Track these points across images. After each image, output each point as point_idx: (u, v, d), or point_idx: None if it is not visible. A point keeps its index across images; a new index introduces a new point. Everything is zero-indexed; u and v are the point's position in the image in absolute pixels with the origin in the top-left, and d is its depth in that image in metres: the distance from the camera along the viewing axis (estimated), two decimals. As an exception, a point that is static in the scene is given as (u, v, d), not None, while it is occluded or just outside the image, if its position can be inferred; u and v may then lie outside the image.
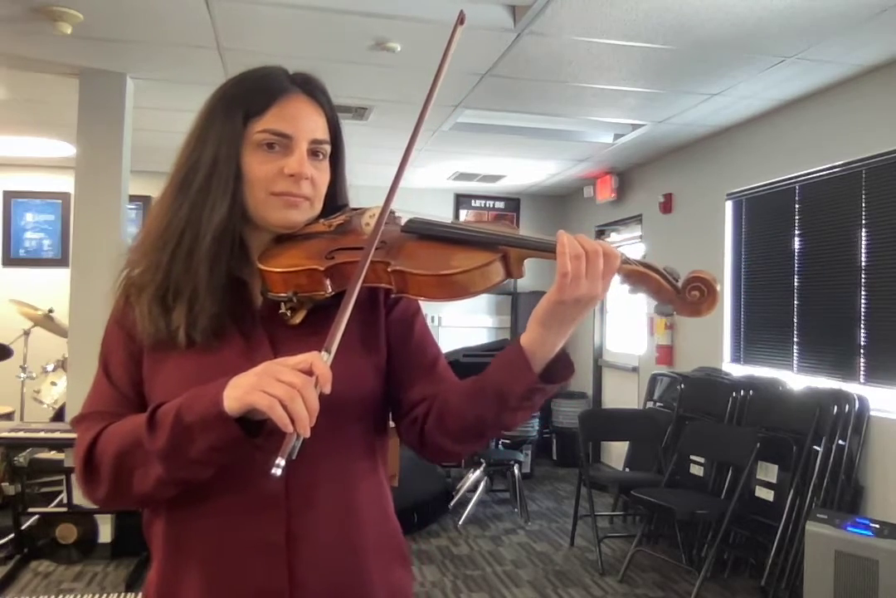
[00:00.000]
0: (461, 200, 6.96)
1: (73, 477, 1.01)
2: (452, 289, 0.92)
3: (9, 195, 6.11)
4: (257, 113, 0.98)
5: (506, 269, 0.93)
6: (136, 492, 0.91)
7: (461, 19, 1.01)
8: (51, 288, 5.59)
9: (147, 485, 0.89)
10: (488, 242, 0.93)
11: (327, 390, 0.81)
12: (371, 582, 0.99)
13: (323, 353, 0.83)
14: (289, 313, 0.98)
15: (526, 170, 6.02)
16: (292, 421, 0.78)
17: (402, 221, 1.01)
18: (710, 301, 0.87)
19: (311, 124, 1.01)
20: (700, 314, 0.89)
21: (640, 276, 0.89)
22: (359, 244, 0.96)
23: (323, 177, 1.03)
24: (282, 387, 0.79)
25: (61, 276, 5.00)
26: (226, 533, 0.94)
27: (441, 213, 1.06)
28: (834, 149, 3.76)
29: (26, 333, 5.04)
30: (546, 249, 0.89)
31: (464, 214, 6.96)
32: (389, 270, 0.93)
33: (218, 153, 0.97)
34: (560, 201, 7.20)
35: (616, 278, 0.89)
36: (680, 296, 0.88)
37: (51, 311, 4.97)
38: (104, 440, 0.93)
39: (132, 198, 4.53)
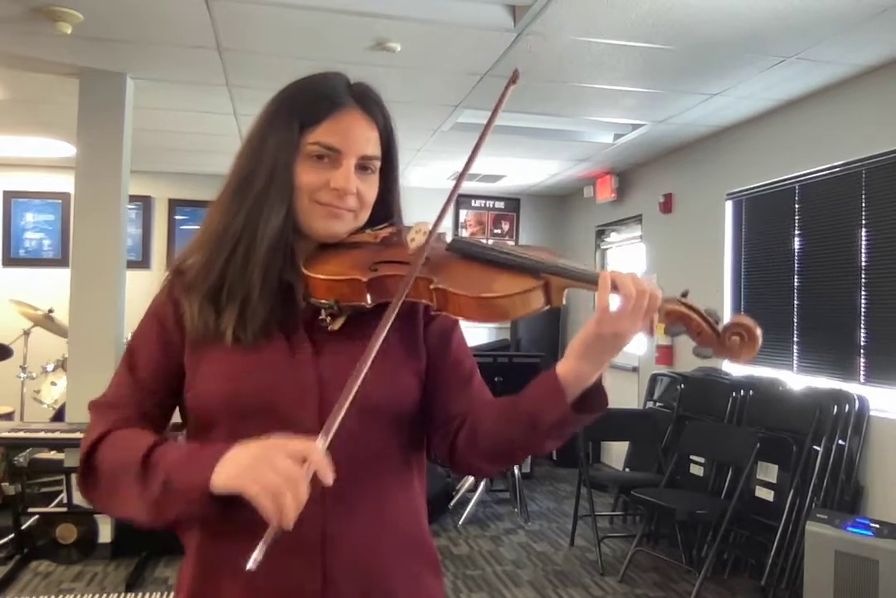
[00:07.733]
0: (461, 200, 6.92)
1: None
2: (492, 312, 0.91)
3: (9, 195, 6.12)
4: (312, 124, 0.99)
5: (546, 297, 0.92)
6: (121, 514, 0.94)
7: (514, 79, 1.04)
8: (51, 288, 5.59)
9: (129, 513, 0.92)
10: (532, 268, 0.92)
11: (328, 481, 0.79)
12: (397, 588, 1.00)
13: (319, 439, 0.81)
14: (328, 319, 0.99)
15: (526, 170, 6.02)
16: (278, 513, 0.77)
17: (447, 239, 1.01)
18: (749, 348, 0.87)
19: (363, 140, 1.01)
20: (738, 360, 0.88)
21: (680, 316, 0.88)
22: (403, 258, 0.96)
23: (370, 191, 1.04)
24: (273, 478, 0.78)
25: (61, 276, 4.99)
26: (263, 532, 0.95)
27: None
28: (834, 149, 3.75)
29: (26, 333, 5.04)
30: (589, 281, 0.88)
31: (463, 215, 6.95)
32: (431, 287, 0.93)
33: (276, 161, 0.99)
34: (560, 201, 7.19)
35: (655, 317, 0.88)
36: (720, 340, 0.87)
37: (51, 311, 4.97)
38: (106, 446, 0.95)
39: (132, 198, 4.53)
